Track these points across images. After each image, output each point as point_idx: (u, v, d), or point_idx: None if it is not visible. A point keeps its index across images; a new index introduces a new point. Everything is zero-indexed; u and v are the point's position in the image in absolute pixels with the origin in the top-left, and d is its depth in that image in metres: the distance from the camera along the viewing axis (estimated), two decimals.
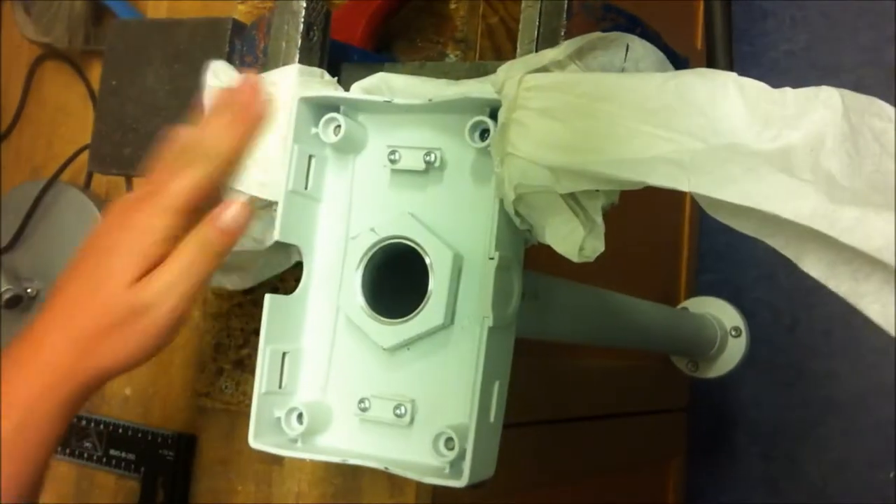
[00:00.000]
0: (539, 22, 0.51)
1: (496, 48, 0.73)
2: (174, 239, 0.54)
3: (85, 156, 0.73)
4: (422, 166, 0.53)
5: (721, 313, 1.05)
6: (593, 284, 0.73)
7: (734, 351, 1.03)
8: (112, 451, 0.77)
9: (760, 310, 1.46)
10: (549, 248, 0.50)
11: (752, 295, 1.47)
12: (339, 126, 0.54)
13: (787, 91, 0.44)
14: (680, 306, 1.08)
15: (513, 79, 0.49)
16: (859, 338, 1.37)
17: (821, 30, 1.49)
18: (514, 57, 0.53)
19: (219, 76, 0.61)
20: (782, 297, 1.44)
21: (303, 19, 0.57)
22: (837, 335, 1.40)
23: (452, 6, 0.71)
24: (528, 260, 0.54)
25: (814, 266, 0.42)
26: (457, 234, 0.52)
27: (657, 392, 1.24)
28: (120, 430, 0.78)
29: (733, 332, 1.03)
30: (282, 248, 0.59)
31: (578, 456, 1.01)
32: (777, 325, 1.46)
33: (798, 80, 1.44)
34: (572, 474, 1.00)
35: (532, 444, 0.87)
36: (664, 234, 1.29)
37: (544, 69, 0.49)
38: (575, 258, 0.48)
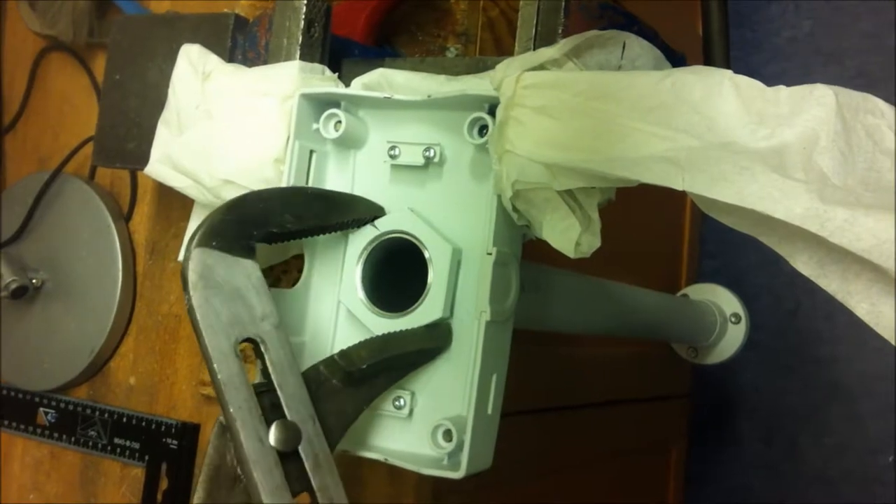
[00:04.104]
0: (537, 20, 0.52)
1: (497, 41, 0.73)
2: None
3: (90, 147, 0.74)
4: (421, 162, 0.53)
5: (721, 300, 1.05)
6: (594, 272, 0.73)
7: (734, 337, 1.04)
8: (117, 440, 0.78)
9: (763, 295, 1.46)
10: None
11: (754, 280, 1.47)
12: (339, 122, 0.55)
13: (782, 89, 0.44)
14: (680, 293, 1.09)
15: (510, 77, 0.49)
16: (861, 323, 1.36)
17: (824, 16, 1.49)
18: (514, 50, 0.54)
19: (191, 60, 0.61)
20: (784, 282, 1.45)
21: (304, 16, 0.58)
22: (839, 320, 1.40)
23: (453, 0, 0.71)
24: (530, 251, 0.54)
25: (805, 264, 0.43)
26: (455, 229, 0.53)
27: (658, 379, 1.25)
28: (124, 419, 0.79)
29: (733, 319, 1.04)
30: None
31: (580, 443, 1.02)
32: (779, 310, 1.46)
33: (802, 67, 1.44)
34: (574, 462, 1.01)
35: (533, 432, 0.88)
36: (665, 221, 1.30)
37: (542, 67, 0.50)
38: (571, 254, 0.49)
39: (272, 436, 0.44)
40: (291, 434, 0.45)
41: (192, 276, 0.45)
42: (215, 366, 0.44)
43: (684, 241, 1.33)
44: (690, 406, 1.38)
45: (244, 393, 0.45)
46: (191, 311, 0.45)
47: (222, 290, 0.46)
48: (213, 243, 0.46)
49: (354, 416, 0.49)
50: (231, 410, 0.44)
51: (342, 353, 0.49)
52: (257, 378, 0.47)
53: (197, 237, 0.46)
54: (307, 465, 0.45)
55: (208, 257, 0.46)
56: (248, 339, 0.46)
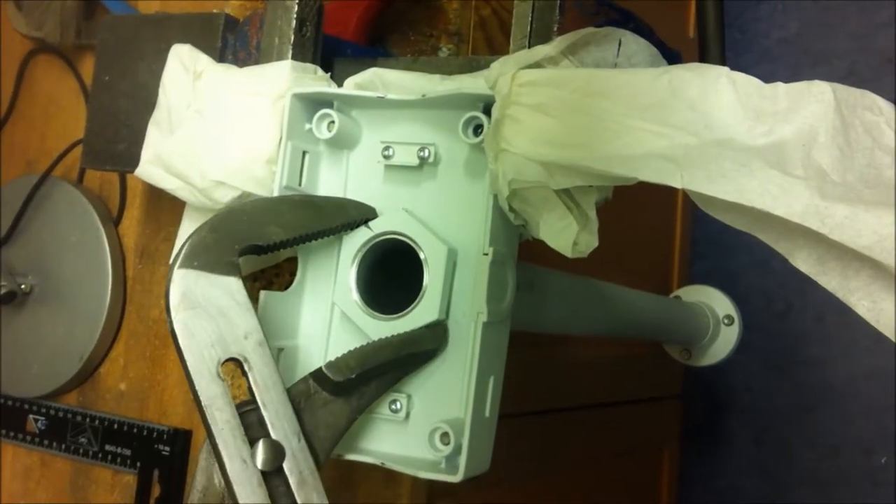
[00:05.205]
0: (532, 17, 0.51)
1: (489, 40, 0.73)
2: None
3: (78, 150, 0.73)
4: (416, 162, 0.53)
5: (714, 301, 1.05)
6: (587, 274, 0.73)
7: (727, 339, 1.03)
8: (108, 447, 0.77)
9: (753, 296, 1.46)
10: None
11: (745, 281, 1.47)
12: (332, 122, 0.54)
13: (780, 85, 0.44)
14: (673, 295, 1.09)
15: (506, 75, 0.49)
16: (852, 323, 1.36)
17: (812, 17, 1.49)
18: (507, 48, 0.53)
19: (182, 60, 0.60)
20: (775, 283, 1.45)
21: (295, 15, 0.57)
22: (830, 321, 1.40)
23: None
24: (522, 251, 0.54)
25: (805, 262, 0.43)
26: (451, 229, 0.52)
27: (651, 380, 1.25)
28: (115, 426, 0.78)
29: (726, 321, 1.04)
30: None
31: (573, 445, 1.01)
32: (770, 311, 1.46)
33: (790, 68, 1.44)
34: (567, 463, 1.01)
35: (526, 434, 0.88)
36: (657, 223, 1.30)
37: (537, 65, 0.49)
38: (569, 253, 0.49)
39: (255, 455, 0.45)
40: (274, 453, 0.45)
41: (173, 299, 0.46)
42: (197, 388, 0.45)
43: (676, 242, 1.33)
44: (682, 407, 1.38)
45: (226, 414, 0.45)
46: (173, 334, 0.45)
47: (205, 310, 0.46)
48: (195, 263, 0.47)
49: (347, 426, 0.49)
50: (213, 432, 0.44)
51: (330, 364, 0.48)
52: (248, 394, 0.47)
53: (179, 258, 0.46)
54: (292, 483, 0.45)
55: (190, 278, 0.46)
56: (232, 359, 0.46)
